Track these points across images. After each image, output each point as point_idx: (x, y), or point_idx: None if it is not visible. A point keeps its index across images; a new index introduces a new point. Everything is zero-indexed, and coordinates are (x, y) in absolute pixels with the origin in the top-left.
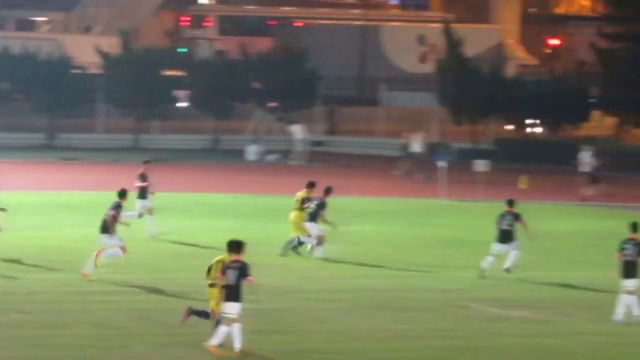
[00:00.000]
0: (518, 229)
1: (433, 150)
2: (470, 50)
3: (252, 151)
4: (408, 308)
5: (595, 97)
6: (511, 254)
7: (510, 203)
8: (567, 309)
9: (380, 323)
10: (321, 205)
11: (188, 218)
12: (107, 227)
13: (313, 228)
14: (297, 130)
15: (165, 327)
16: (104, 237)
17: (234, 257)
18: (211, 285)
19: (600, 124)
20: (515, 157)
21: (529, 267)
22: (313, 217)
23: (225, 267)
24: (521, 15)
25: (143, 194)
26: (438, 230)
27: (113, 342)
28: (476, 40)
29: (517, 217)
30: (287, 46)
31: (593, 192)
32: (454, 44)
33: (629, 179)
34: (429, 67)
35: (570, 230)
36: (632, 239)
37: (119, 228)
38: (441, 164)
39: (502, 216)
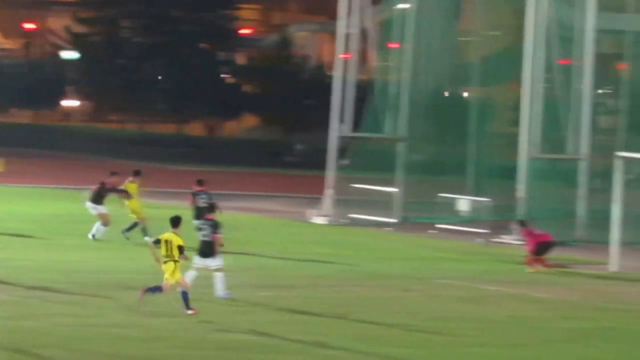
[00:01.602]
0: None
1: None
2: None
3: None
4: None
5: (71, 82)
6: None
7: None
8: (41, 292)
9: None
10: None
11: None
12: None
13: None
14: None
15: None
16: None
17: None
18: (166, 262)
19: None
20: None
21: (6, 249)
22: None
23: None
24: None
25: None
26: None
27: None
28: None
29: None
30: None
31: None
32: None
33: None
34: None
35: (48, 213)
36: (208, 220)
37: None
38: None
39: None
